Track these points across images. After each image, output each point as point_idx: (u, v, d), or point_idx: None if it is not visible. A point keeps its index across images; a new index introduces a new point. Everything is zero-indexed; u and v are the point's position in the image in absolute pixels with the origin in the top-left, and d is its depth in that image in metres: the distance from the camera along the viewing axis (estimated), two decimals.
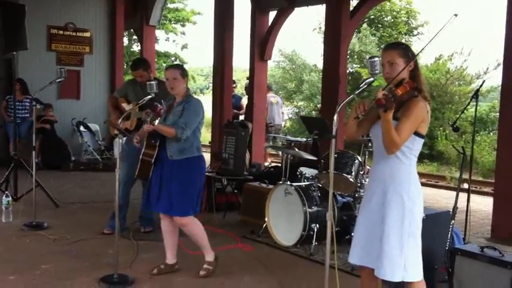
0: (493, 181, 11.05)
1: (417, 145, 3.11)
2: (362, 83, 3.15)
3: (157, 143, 4.46)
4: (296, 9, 9.94)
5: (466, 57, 16.37)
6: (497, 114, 15.29)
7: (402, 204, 3.04)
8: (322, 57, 8.49)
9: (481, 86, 5.66)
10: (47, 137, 10.56)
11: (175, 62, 5.02)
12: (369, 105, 2.98)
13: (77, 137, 11.58)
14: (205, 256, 4.64)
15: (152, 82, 4.65)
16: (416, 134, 3.07)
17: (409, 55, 3.13)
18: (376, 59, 3.08)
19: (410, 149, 3.08)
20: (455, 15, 3.03)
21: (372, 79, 3.12)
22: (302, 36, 37.70)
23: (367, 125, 3.23)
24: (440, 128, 14.95)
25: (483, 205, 7.85)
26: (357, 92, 3.21)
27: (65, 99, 12.07)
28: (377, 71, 3.08)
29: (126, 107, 5.69)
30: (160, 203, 4.44)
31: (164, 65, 23.45)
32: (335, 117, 3.14)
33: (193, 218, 4.52)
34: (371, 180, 3.25)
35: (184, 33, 23.96)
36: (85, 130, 11.63)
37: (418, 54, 3.13)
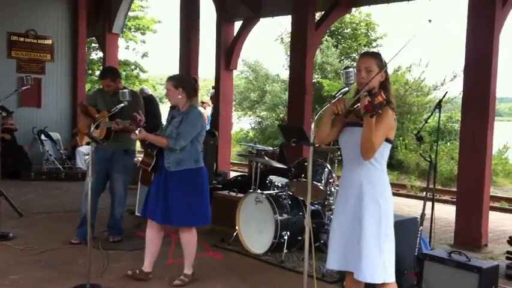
0: (452, 189, 11.42)
1: (387, 150, 3.28)
2: (337, 92, 3.26)
3: (154, 152, 4.48)
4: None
5: (423, 69, 16.83)
6: (454, 124, 15.84)
7: (379, 207, 3.16)
8: (289, 68, 8.62)
9: (444, 96, 5.83)
10: (7, 145, 10.30)
11: (174, 74, 4.96)
12: (347, 103, 3.15)
13: (38, 146, 11.31)
14: (185, 268, 4.63)
15: (125, 90, 4.64)
16: (386, 140, 3.22)
17: (382, 66, 3.27)
18: (351, 69, 3.19)
19: (382, 154, 3.23)
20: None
21: (346, 89, 3.22)
22: (264, 46, 37.92)
23: (336, 131, 3.37)
24: (400, 138, 15.29)
25: (444, 212, 8.06)
26: (333, 102, 3.31)
27: (25, 107, 11.79)
28: (352, 81, 3.19)
29: (97, 115, 5.64)
30: (157, 212, 4.42)
31: (124, 73, 23.18)
32: (312, 125, 3.23)
33: (193, 229, 4.56)
34: (344, 186, 3.34)
35: (144, 42, 23.86)
36: (46, 139, 11.39)
37: (376, 75, 3.25)
